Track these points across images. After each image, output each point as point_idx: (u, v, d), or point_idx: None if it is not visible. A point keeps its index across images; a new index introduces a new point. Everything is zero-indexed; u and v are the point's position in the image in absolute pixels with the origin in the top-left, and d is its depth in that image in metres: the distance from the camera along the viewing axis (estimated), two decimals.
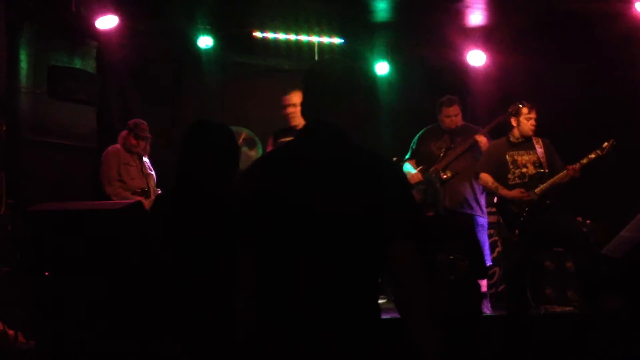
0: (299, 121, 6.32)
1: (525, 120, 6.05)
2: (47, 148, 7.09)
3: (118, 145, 6.83)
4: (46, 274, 4.57)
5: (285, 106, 6.60)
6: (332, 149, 2.35)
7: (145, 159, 6.94)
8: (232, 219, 2.45)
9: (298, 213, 2.28)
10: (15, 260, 5.39)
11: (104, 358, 4.21)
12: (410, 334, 2.22)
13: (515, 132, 6.13)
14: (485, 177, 6.14)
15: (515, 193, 5.97)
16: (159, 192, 6.88)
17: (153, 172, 6.98)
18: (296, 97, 6.48)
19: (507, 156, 6.12)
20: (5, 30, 6.41)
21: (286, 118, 6.62)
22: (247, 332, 2.36)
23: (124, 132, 6.85)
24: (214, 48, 8.26)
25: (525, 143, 6.13)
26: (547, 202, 5.93)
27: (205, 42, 8.17)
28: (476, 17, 7.75)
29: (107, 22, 7.04)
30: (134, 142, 6.78)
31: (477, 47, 8.34)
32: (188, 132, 3.32)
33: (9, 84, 6.59)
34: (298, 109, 6.28)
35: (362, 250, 2.25)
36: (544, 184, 5.94)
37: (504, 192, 6.03)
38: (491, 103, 7.96)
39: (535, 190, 5.93)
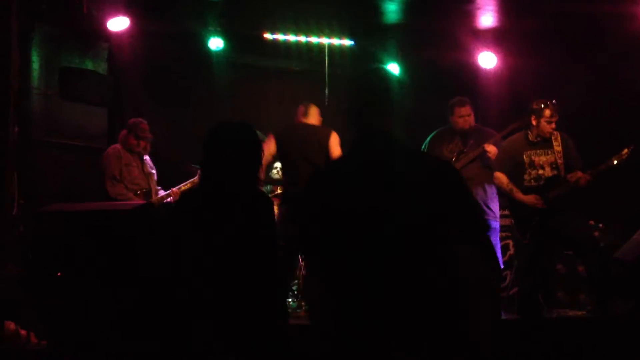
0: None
1: (546, 123, 5.91)
2: (58, 149, 7.13)
3: (118, 146, 6.80)
4: (58, 274, 4.59)
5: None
6: (390, 156, 2.45)
7: (146, 157, 6.91)
8: (300, 231, 2.55)
9: (368, 221, 2.35)
10: (27, 261, 5.40)
11: (115, 358, 4.22)
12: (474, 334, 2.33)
13: (534, 131, 6.00)
14: (501, 177, 6.07)
15: (531, 199, 5.89)
16: (160, 190, 6.87)
17: (154, 171, 6.94)
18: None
19: (524, 156, 6.01)
20: (17, 32, 6.43)
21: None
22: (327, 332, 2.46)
23: (124, 132, 6.80)
24: (224, 50, 8.28)
25: (544, 142, 6.00)
26: (560, 206, 5.87)
27: (216, 43, 8.19)
28: (487, 19, 7.73)
29: (118, 23, 7.07)
30: (134, 142, 6.76)
31: (488, 49, 8.33)
32: (213, 132, 3.30)
33: (21, 85, 6.61)
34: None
35: (428, 252, 2.32)
36: (559, 190, 5.87)
37: (518, 195, 5.95)
38: (502, 105, 7.94)
39: (549, 195, 5.87)
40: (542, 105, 5.94)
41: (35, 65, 6.97)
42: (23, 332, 4.87)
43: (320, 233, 2.46)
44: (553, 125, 5.94)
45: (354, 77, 2.72)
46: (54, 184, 6.88)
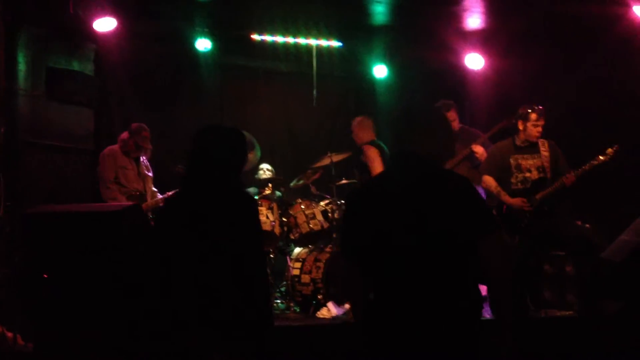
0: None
1: (532, 127, 5.99)
2: (45, 150, 7.07)
3: (116, 147, 6.79)
4: (44, 276, 4.55)
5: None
6: (418, 174, 2.94)
7: (143, 159, 6.90)
8: (343, 238, 3.08)
9: (399, 232, 2.85)
10: (13, 263, 5.37)
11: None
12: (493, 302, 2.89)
13: (521, 136, 6.08)
14: (489, 180, 6.12)
15: (517, 202, 5.95)
16: (156, 192, 6.85)
17: (150, 173, 6.94)
18: None
19: (511, 159, 6.09)
20: (3, 32, 6.40)
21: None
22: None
23: (125, 135, 6.80)
24: (212, 50, 8.27)
25: (531, 147, 6.09)
26: (546, 208, 5.92)
27: (203, 44, 8.17)
28: (474, 20, 7.76)
29: (105, 24, 7.02)
30: (132, 147, 6.76)
31: (475, 50, 8.36)
32: (196, 136, 3.34)
33: (7, 85, 6.57)
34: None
35: (453, 251, 2.82)
36: (545, 191, 5.93)
37: (505, 198, 6.00)
38: (489, 106, 7.97)
39: (536, 197, 5.92)
40: (529, 110, 6.01)
41: (22, 66, 6.91)
42: (9, 334, 4.84)
43: (356, 239, 2.99)
44: (540, 129, 6.01)
45: (399, 107, 3.47)
46: (40, 186, 6.83)
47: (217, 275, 3.12)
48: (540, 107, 6.02)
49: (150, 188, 6.86)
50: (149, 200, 6.68)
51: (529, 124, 6.00)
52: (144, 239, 4.59)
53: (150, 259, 3.44)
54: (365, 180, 5.69)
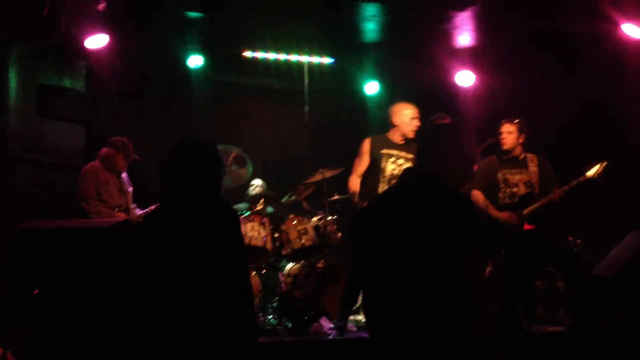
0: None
1: (508, 134, 6.14)
2: (36, 166, 7.05)
3: (96, 163, 6.72)
4: (35, 291, 4.53)
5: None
6: (419, 191, 2.98)
7: (124, 175, 6.86)
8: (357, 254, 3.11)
9: (395, 248, 2.89)
10: (4, 279, 5.33)
11: None
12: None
13: (503, 149, 6.20)
14: (477, 194, 6.17)
15: (504, 215, 6.00)
16: (135, 207, 6.80)
17: (131, 189, 6.88)
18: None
19: (499, 174, 6.17)
20: None
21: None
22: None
23: (110, 151, 6.73)
24: (204, 67, 8.28)
25: (518, 161, 6.17)
26: (535, 222, 5.96)
27: (195, 61, 8.18)
28: (464, 38, 7.81)
29: (96, 41, 7.03)
30: (121, 162, 6.72)
31: (466, 67, 8.41)
32: (173, 151, 3.36)
33: None
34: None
35: (445, 264, 2.84)
36: (532, 206, 5.97)
37: (493, 212, 6.05)
38: (480, 123, 7.98)
39: (524, 212, 5.96)
40: (502, 123, 6.19)
41: (13, 82, 6.90)
42: (0, 349, 4.80)
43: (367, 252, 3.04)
44: (515, 136, 6.14)
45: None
46: (31, 202, 6.80)
47: (200, 289, 3.11)
48: (517, 120, 6.17)
49: (130, 203, 6.81)
50: (131, 215, 6.64)
51: (503, 134, 6.17)
52: (131, 254, 4.59)
53: (137, 273, 3.43)
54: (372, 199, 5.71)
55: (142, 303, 3.28)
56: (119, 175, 6.78)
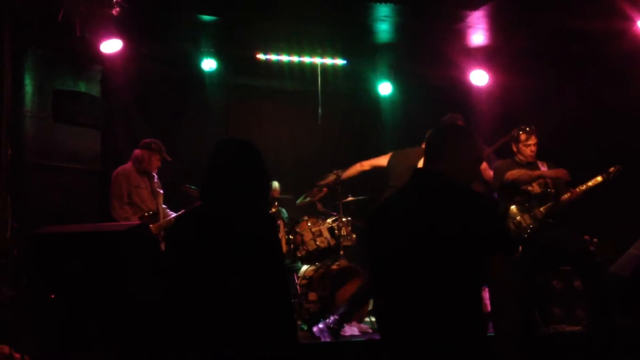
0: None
1: (524, 147, 6.09)
2: (52, 171, 7.10)
3: (128, 166, 6.76)
4: (51, 296, 4.55)
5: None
6: (434, 191, 2.93)
7: (155, 176, 6.86)
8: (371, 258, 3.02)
9: (408, 249, 2.84)
10: (21, 284, 5.37)
11: None
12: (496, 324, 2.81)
13: (518, 156, 6.16)
14: (510, 173, 6.05)
15: (557, 171, 5.94)
16: (166, 209, 6.81)
17: (162, 191, 6.87)
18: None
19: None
20: (10, 55, 6.44)
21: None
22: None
23: (144, 153, 6.77)
24: (217, 70, 8.31)
25: (531, 165, 6.13)
26: (550, 220, 5.92)
27: (209, 64, 8.21)
28: (478, 37, 7.78)
29: (111, 46, 7.06)
30: (156, 164, 6.75)
31: (480, 66, 8.38)
32: (212, 150, 3.16)
33: (14, 108, 6.60)
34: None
35: (465, 265, 2.78)
36: (547, 204, 5.95)
37: (542, 171, 5.99)
38: (494, 122, 7.97)
39: (541, 209, 5.93)
40: (519, 132, 6.11)
41: (29, 88, 6.96)
42: (17, 355, 4.83)
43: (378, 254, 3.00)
44: (532, 148, 6.10)
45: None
46: (47, 207, 6.84)
47: (235, 295, 2.91)
48: (529, 128, 6.10)
49: (162, 206, 6.80)
50: (162, 220, 6.63)
51: (520, 145, 6.10)
52: (151, 258, 4.59)
53: (159, 277, 3.33)
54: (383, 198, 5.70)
55: (167, 311, 3.14)
56: (150, 177, 6.79)
